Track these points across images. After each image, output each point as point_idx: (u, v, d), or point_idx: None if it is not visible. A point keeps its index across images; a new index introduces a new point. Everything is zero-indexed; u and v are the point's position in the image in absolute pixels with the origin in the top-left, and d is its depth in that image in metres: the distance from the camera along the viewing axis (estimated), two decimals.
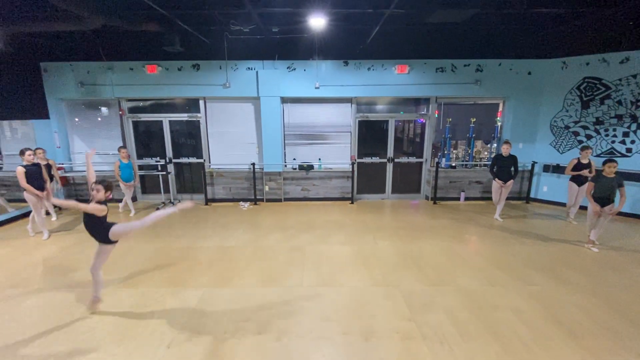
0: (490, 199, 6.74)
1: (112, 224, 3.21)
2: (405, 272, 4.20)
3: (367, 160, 7.85)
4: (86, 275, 4.10)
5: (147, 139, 7.79)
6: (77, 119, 7.53)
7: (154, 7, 4.82)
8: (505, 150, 6.02)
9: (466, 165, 7.77)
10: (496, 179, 6.16)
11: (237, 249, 4.97)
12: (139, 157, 7.76)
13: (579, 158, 5.78)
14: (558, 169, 7.10)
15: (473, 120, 7.57)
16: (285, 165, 7.69)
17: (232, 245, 5.14)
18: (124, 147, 6.74)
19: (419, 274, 4.17)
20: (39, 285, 3.93)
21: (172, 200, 7.70)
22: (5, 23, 5.14)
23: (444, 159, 7.71)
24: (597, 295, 3.66)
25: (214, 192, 7.67)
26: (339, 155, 7.72)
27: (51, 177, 6.02)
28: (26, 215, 6.15)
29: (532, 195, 7.59)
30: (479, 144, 7.89)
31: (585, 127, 6.81)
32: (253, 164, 7.39)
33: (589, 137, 6.79)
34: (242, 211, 7.04)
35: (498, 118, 7.74)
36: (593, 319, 3.22)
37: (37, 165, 5.38)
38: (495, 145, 7.76)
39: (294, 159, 7.72)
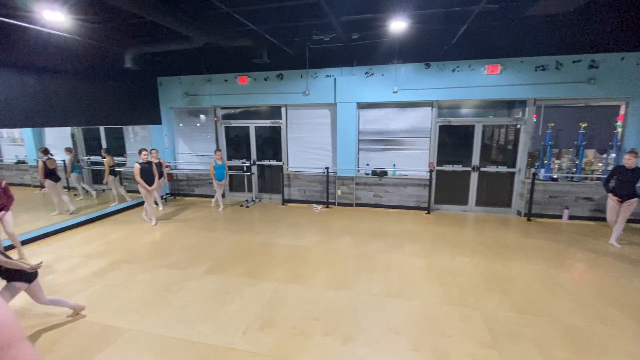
0: (604, 219, 5.59)
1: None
2: (487, 294, 3.77)
3: (448, 168, 7.31)
4: (180, 260, 4.74)
5: (236, 143, 8.66)
6: (181, 125, 8.80)
7: (246, 24, 5.35)
8: (628, 161, 4.94)
9: (572, 177, 6.61)
10: (610, 195, 5.10)
11: (308, 249, 5.13)
12: (229, 158, 8.67)
13: None
14: None
15: (583, 125, 6.41)
16: (359, 170, 7.67)
17: (304, 244, 5.33)
18: (219, 149, 7.47)
19: (504, 298, 3.69)
20: (147, 263, 4.68)
21: (253, 199, 8.37)
22: (133, 45, 6.33)
23: (542, 170, 6.70)
24: None
25: (290, 193, 8.09)
26: (415, 161, 7.37)
27: (160, 174, 7.11)
28: (141, 204, 7.40)
29: None
30: (590, 153, 6.63)
31: None
32: (327, 168, 7.56)
33: None
34: (314, 213, 7.25)
35: (618, 123, 6.40)
36: None
37: (150, 163, 6.28)
38: (613, 155, 6.42)
39: (367, 165, 7.65)
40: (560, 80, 6.21)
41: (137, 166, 6.09)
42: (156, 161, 7.00)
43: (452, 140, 7.24)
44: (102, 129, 8.28)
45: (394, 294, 3.78)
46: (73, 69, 6.06)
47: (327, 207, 7.70)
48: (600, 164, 6.57)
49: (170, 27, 4.83)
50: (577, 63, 6.10)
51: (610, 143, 6.46)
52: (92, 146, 8.38)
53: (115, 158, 7.82)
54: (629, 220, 5.55)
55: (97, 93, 6.59)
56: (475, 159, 7.11)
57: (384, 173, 7.43)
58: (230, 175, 8.61)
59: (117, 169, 7.73)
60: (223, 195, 8.73)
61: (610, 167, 6.10)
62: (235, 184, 8.76)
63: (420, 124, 7.22)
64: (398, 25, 5.43)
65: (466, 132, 7.10)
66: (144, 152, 6.19)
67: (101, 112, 6.72)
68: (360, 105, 7.41)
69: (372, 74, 7.06)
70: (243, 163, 8.28)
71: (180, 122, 8.81)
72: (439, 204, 7.49)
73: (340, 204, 7.78)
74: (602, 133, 6.54)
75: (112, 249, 5.21)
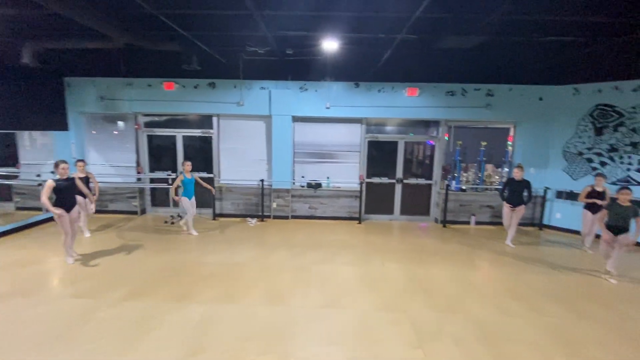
0: (501, 224, 6.60)
1: None
2: (413, 297, 4.08)
3: (376, 180, 7.83)
4: (90, 287, 4.11)
5: (160, 153, 7.96)
6: (94, 132, 7.77)
7: (176, 29, 5.05)
8: (517, 174, 5.94)
9: (477, 188, 7.67)
10: (505, 203, 6.06)
11: (242, 266, 4.92)
12: (151, 170, 7.91)
13: (593, 185, 5.65)
14: (572, 196, 6.94)
15: (484, 143, 7.54)
16: (294, 183, 7.71)
17: (237, 261, 5.10)
18: (188, 160, 6.24)
19: (428, 299, 4.04)
20: (45, 294, 3.93)
21: (180, 214, 7.75)
22: (35, 39, 5.44)
23: (454, 182, 7.63)
24: (617, 329, 3.47)
25: (222, 206, 7.71)
26: (347, 174, 7.73)
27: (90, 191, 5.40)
28: (36, 224, 6.24)
29: (545, 221, 7.40)
30: (489, 167, 7.81)
31: (599, 154, 6.70)
32: (262, 181, 7.44)
33: (603, 164, 6.67)
34: (249, 227, 7.02)
35: (509, 142, 7.69)
36: (614, 356, 3.04)
37: (71, 180, 4.76)
38: (506, 169, 7.67)
39: (303, 177, 7.75)
40: (465, 105, 7.22)
41: (50, 184, 4.45)
42: (82, 175, 5.67)
43: (379, 155, 7.81)
44: None
45: (330, 305, 3.84)
46: None
47: (262, 220, 7.53)
48: (497, 177, 7.78)
49: (83, 23, 4.29)
50: (478, 91, 7.19)
51: (503, 159, 7.73)
52: None
53: (4, 169, 6.51)
54: (520, 224, 6.62)
55: None
56: (399, 172, 7.77)
57: (319, 185, 7.61)
58: (153, 189, 7.86)
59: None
60: (144, 212, 7.91)
61: (504, 179, 7.24)
62: (159, 199, 8.01)
63: (351, 139, 7.63)
64: (330, 45, 5.72)
65: (391, 147, 7.73)
66: (62, 165, 4.62)
67: None
68: (296, 119, 7.52)
69: (307, 89, 7.26)
70: (168, 175, 7.64)
71: (93, 128, 7.78)
72: (369, 213, 7.94)
73: (275, 217, 7.69)
74: (498, 150, 7.79)
75: None
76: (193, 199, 6.31)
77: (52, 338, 3.10)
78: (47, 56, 6.39)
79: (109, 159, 7.79)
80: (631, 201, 4.47)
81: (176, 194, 6.16)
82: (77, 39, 5.40)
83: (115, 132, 7.80)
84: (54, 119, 7.06)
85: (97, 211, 7.72)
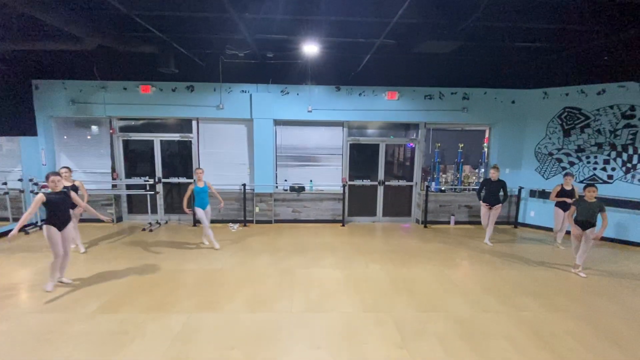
0: (479, 223, 6.81)
1: None
2: (396, 298, 4.13)
3: (358, 182, 7.90)
4: (60, 300, 3.92)
5: (136, 158, 7.70)
6: (65, 137, 7.43)
7: (152, 30, 4.93)
8: (493, 174, 6.15)
9: (455, 189, 7.89)
10: (482, 203, 6.26)
11: (224, 272, 4.82)
12: (127, 176, 7.64)
13: (562, 184, 5.94)
14: (543, 195, 7.27)
15: (461, 145, 7.77)
16: (277, 187, 7.66)
17: (219, 267, 4.99)
18: (200, 167, 5.83)
19: (411, 299, 4.10)
20: (7, 309, 3.70)
21: (158, 221, 7.52)
22: (0, 40, 5.16)
23: (433, 183, 7.81)
24: (587, 321, 3.65)
25: None
26: (330, 177, 7.76)
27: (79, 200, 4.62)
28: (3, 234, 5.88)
29: (519, 220, 7.69)
30: (467, 168, 8.06)
31: (567, 154, 7.05)
32: (244, 185, 7.34)
33: (572, 163, 7.02)
34: (231, 233, 6.90)
35: (485, 144, 7.96)
36: (585, 346, 3.19)
37: (64, 192, 4.10)
38: (482, 170, 7.93)
39: (286, 180, 7.71)
40: (443, 108, 7.42)
41: (39, 197, 3.85)
42: (69, 184, 5.06)
43: (361, 158, 7.89)
44: None
45: (315, 309, 3.82)
46: None
47: (245, 225, 7.42)
48: (475, 178, 8.03)
49: (52, 24, 4.11)
50: (454, 94, 7.41)
51: (480, 160, 7.99)
52: None
53: None
54: (496, 223, 6.86)
55: None
56: (381, 174, 7.88)
57: (302, 189, 7.59)
58: (129, 196, 7.60)
59: None
60: (120, 219, 7.63)
61: (481, 180, 7.48)
62: (136, 206, 7.74)
63: (333, 142, 7.67)
64: (310, 48, 5.75)
65: (372, 150, 7.83)
66: (52, 177, 3.95)
67: None
68: (277, 122, 7.48)
69: (288, 93, 7.24)
70: (145, 181, 7.40)
71: (64, 133, 7.43)
72: (352, 216, 7.99)
73: (258, 222, 7.60)
74: (475, 152, 8.05)
75: None
76: (208, 208, 5.76)
77: (19, 355, 2.92)
78: (12, 57, 6.07)
79: (82, 165, 7.47)
80: (596, 197, 4.73)
81: (188, 206, 5.66)
82: (46, 40, 5.16)
83: (89, 137, 7.49)
84: (21, 123, 6.69)
85: None
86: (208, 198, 5.73)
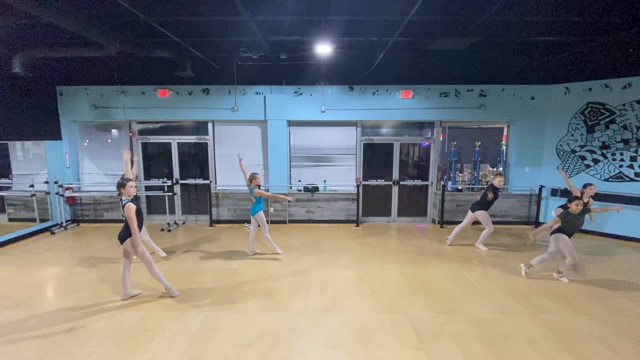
0: (497, 223, 6.60)
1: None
2: (412, 299, 4.08)
3: (373, 182, 7.84)
4: (86, 296, 4.06)
5: (155, 160, 7.91)
6: (87, 141, 7.71)
7: (169, 35, 5.05)
8: (499, 183, 5.82)
9: (472, 188, 7.71)
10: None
11: (240, 271, 4.89)
12: (146, 178, 7.85)
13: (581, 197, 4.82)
14: (566, 194, 7.00)
15: (478, 144, 7.59)
16: (291, 187, 7.70)
17: (235, 267, 5.06)
18: (256, 172, 5.73)
19: (427, 300, 4.03)
20: (38, 306, 3.87)
21: (176, 221, 7.70)
22: (26, 48, 5.41)
23: (450, 182, 7.67)
24: (612, 324, 3.49)
25: (219, 213, 7.67)
26: (344, 177, 7.73)
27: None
28: (24, 237, 6.14)
29: (540, 219, 7.44)
30: (484, 167, 7.87)
31: (592, 152, 6.78)
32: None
33: (596, 161, 6.75)
34: (246, 233, 6.98)
35: (503, 142, 7.75)
36: (612, 350, 3.05)
37: (136, 197, 4.03)
38: (501, 168, 7.72)
39: (300, 181, 7.74)
40: (459, 106, 7.28)
41: (133, 207, 3.76)
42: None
43: (375, 157, 7.83)
44: None
45: (330, 309, 3.82)
46: None
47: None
48: (492, 176, 7.81)
49: (76, 31, 4.28)
50: (471, 92, 7.25)
51: (498, 158, 7.78)
52: None
53: None
54: (514, 222, 6.66)
55: None
56: (395, 174, 7.79)
57: (316, 189, 7.60)
58: (148, 197, 7.81)
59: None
60: None
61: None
62: (155, 207, 7.95)
63: (347, 142, 7.65)
64: (323, 49, 5.75)
65: (386, 149, 7.76)
66: (131, 183, 3.84)
67: None
68: (291, 123, 7.53)
69: (301, 94, 7.28)
70: (164, 182, 7.59)
71: (86, 137, 7.72)
72: (366, 216, 7.93)
73: (273, 222, 7.66)
74: (492, 150, 7.85)
75: None
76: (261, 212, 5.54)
77: (40, 355, 3.05)
78: (39, 65, 6.35)
79: (103, 167, 7.74)
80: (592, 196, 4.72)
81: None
82: (68, 47, 5.38)
83: (109, 141, 7.75)
84: (46, 128, 7.00)
85: (93, 220, 7.67)
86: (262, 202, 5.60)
